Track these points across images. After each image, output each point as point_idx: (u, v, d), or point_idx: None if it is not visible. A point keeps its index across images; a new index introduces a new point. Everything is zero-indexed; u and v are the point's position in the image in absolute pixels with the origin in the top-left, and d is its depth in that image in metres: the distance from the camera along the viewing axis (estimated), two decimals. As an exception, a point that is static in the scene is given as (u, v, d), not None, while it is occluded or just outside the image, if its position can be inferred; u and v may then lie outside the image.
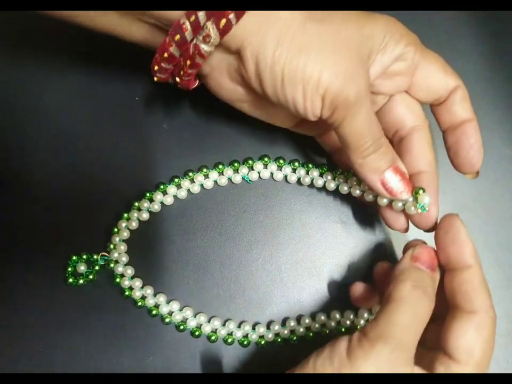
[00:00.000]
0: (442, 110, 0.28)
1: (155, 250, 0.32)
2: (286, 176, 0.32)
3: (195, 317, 0.31)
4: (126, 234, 0.31)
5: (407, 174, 0.27)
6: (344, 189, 0.31)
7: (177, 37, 0.22)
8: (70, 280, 0.31)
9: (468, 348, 0.23)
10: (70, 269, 0.31)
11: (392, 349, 0.22)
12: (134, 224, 0.31)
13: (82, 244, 0.32)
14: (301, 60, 0.23)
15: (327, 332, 0.31)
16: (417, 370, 0.23)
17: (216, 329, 0.31)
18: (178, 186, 0.32)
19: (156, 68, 0.24)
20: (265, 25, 0.23)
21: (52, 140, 0.32)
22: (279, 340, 0.31)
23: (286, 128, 0.30)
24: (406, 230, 0.29)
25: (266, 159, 0.32)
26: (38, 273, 0.31)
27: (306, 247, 0.32)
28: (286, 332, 0.31)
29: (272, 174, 0.32)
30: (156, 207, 0.32)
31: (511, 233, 0.33)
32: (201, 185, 0.32)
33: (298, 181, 0.32)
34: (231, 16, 0.21)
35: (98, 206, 0.32)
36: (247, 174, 0.32)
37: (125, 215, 0.31)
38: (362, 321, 0.31)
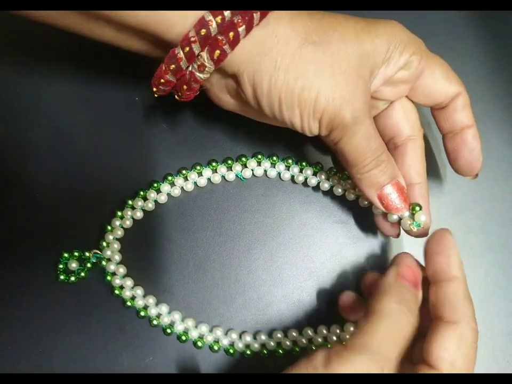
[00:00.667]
0: (442, 115, 0.28)
1: (149, 250, 0.32)
2: (279, 174, 0.32)
3: (183, 321, 0.31)
4: (120, 233, 0.31)
5: (405, 189, 0.27)
6: (338, 190, 0.31)
7: (172, 66, 0.23)
8: (62, 277, 0.31)
9: (450, 357, 0.22)
10: (61, 266, 0.31)
11: (369, 359, 0.21)
12: (128, 223, 0.31)
13: (82, 243, 0.32)
14: (297, 85, 0.23)
15: (313, 348, 0.31)
16: None
17: (203, 335, 0.31)
18: (172, 184, 0.32)
19: (155, 89, 0.24)
20: (261, 51, 0.23)
21: (52, 140, 0.32)
22: (265, 351, 0.31)
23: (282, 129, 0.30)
24: (398, 235, 0.30)
25: (259, 156, 0.32)
26: (37, 273, 0.31)
27: (306, 247, 0.32)
28: (272, 343, 0.31)
29: (265, 171, 0.32)
30: (150, 205, 0.32)
31: (511, 233, 0.33)
32: (195, 183, 0.32)
33: (292, 179, 0.32)
34: (225, 46, 0.22)
35: (98, 206, 0.32)
36: (241, 172, 0.32)
37: (119, 213, 0.31)
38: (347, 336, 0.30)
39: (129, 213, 0.31)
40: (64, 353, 0.31)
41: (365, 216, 0.33)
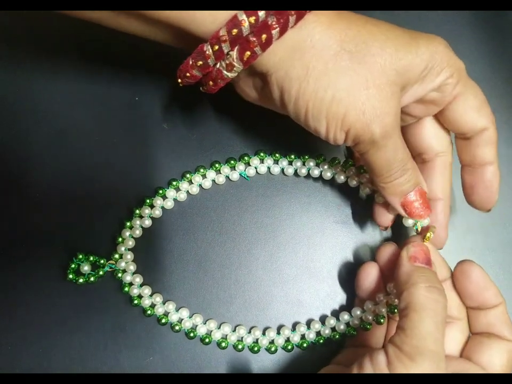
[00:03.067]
0: (465, 146, 0.27)
1: (149, 250, 0.32)
2: (283, 169, 0.32)
3: (190, 317, 0.31)
4: (131, 243, 0.31)
5: (427, 193, 0.27)
6: (341, 178, 0.32)
7: (200, 62, 0.22)
8: (70, 276, 0.30)
9: (501, 366, 0.26)
10: (73, 266, 0.31)
11: (430, 362, 0.22)
12: (138, 232, 0.31)
13: (81, 244, 0.32)
14: (327, 96, 0.22)
15: (321, 341, 0.31)
16: None
17: (211, 331, 0.31)
18: (177, 189, 0.32)
19: (179, 80, 0.24)
20: (293, 55, 0.22)
21: (51, 140, 0.32)
22: (273, 348, 0.31)
23: (283, 125, 0.30)
24: (386, 228, 0.30)
25: (262, 154, 0.32)
26: (38, 274, 0.31)
27: (306, 247, 0.32)
28: (280, 340, 0.31)
29: (269, 168, 0.32)
30: (157, 212, 0.32)
31: (511, 233, 0.33)
32: (200, 186, 0.32)
33: (296, 173, 0.32)
34: (257, 48, 0.21)
35: (97, 207, 0.32)
36: (244, 170, 0.32)
37: (127, 223, 0.31)
38: (342, 327, 0.31)
39: (138, 222, 0.31)
40: (64, 353, 0.31)
41: (365, 216, 0.33)
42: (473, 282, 0.27)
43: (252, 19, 0.20)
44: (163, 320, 0.31)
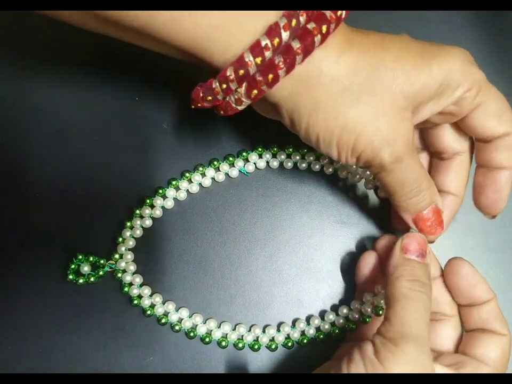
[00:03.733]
0: (482, 148, 0.27)
1: (149, 251, 0.32)
2: (282, 163, 0.32)
3: (205, 323, 0.31)
4: (131, 243, 0.31)
5: (442, 211, 0.27)
6: (343, 173, 0.32)
7: (209, 97, 0.22)
8: (70, 276, 0.30)
9: (495, 359, 0.26)
10: (73, 266, 0.31)
11: (415, 345, 0.23)
12: (138, 232, 0.31)
13: (81, 244, 0.32)
14: (336, 126, 0.22)
15: (321, 336, 0.31)
16: (439, 368, 0.25)
17: (211, 331, 0.31)
18: (177, 188, 0.32)
19: (193, 106, 0.24)
20: (302, 89, 0.22)
21: (52, 141, 0.32)
22: (274, 345, 0.31)
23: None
24: (407, 230, 0.29)
25: (260, 149, 0.32)
26: (38, 274, 0.31)
27: (306, 247, 0.32)
28: (281, 338, 0.31)
29: (268, 162, 0.32)
30: (158, 212, 0.32)
31: (511, 233, 0.33)
32: (200, 184, 0.32)
33: (296, 167, 0.32)
34: (264, 87, 0.21)
35: (97, 207, 0.32)
36: (244, 167, 0.32)
37: (128, 223, 0.31)
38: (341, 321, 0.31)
39: (138, 222, 0.31)
40: (64, 353, 0.31)
41: (365, 216, 0.33)
42: (463, 279, 0.28)
43: (258, 60, 0.20)
44: (163, 320, 0.31)
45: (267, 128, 0.33)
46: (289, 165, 0.32)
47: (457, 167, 0.28)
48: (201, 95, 0.22)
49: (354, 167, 0.32)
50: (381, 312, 0.30)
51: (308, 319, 0.32)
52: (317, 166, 0.32)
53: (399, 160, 0.24)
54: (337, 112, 0.22)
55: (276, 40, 0.20)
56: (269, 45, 0.20)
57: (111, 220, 0.32)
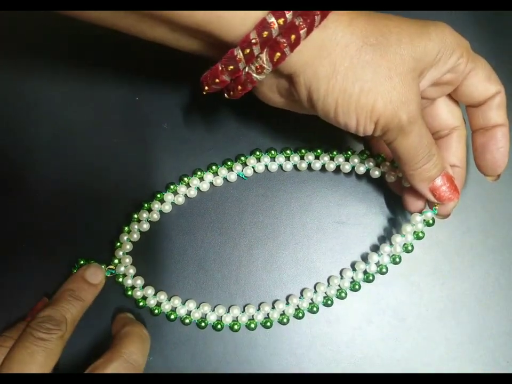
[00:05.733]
0: (477, 112, 0.28)
1: (149, 251, 0.32)
2: (281, 166, 0.32)
3: (213, 310, 0.32)
4: (128, 247, 0.31)
5: (454, 178, 0.28)
6: (346, 168, 0.32)
7: (231, 67, 0.22)
8: None
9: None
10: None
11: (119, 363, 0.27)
12: (136, 236, 0.31)
13: (81, 249, 0.32)
14: (355, 91, 0.23)
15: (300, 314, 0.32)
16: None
17: (221, 317, 0.32)
18: (175, 192, 0.32)
19: (206, 88, 0.24)
20: (320, 54, 0.23)
21: (51, 141, 0.32)
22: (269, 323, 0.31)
23: (278, 120, 0.31)
24: (421, 211, 0.30)
25: (258, 152, 0.32)
26: (38, 274, 0.31)
27: (306, 247, 0.32)
28: (276, 314, 0.31)
29: (266, 166, 0.32)
30: (155, 216, 0.32)
31: (511, 233, 0.33)
32: (198, 189, 0.32)
33: (295, 168, 0.33)
34: (286, 49, 0.22)
35: (97, 208, 0.32)
36: (242, 171, 0.32)
37: (125, 228, 0.31)
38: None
39: (135, 226, 0.31)
40: (64, 353, 0.31)
41: (365, 217, 0.33)
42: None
43: (281, 21, 0.21)
44: (172, 316, 0.31)
45: (266, 131, 0.33)
46: (288, 167, 0.32)
47: (457, 141, 0.29)
48: (220, 68, 0.23)
49: (358, 160, 0.32)
50: (384, 270, 0.31)
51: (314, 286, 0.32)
52: (317, 165, 0.32)
53: (414, 122, 0.24)
54: (354, 74, 0.23)
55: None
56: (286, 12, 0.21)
57: (111, 225, 0.32)
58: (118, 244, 0.31)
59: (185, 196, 0.32)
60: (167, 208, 0.32)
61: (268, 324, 0.31)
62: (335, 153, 0.32)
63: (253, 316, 0.31)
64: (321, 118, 0.25)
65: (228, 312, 0.31)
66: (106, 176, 0.32)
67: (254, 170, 0.32)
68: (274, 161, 0.32)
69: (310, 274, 0.32)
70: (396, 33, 0.24)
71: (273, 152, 0.32)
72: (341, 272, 0.32)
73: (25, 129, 0.32)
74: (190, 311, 0.31)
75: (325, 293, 0.32)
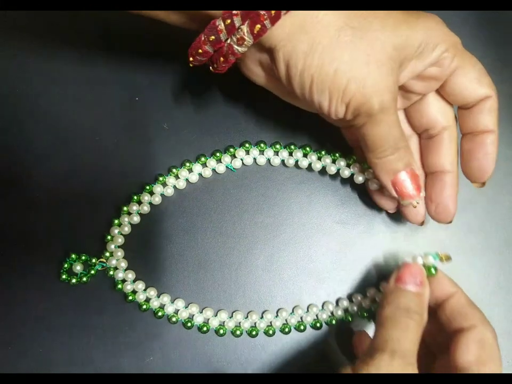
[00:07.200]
0: (467, 115, 0.28)
1: (149, 251, 0.32)
2: (269, 160, 0.32)
3: (201, 312, 0.32)
4: (120, 240, 0.31)
5: (420, 176, 0.28)
6: (332, 169, 0.31)
7: (212, 37, 0.23)
8: (64, 276, 0.30)
9: (475, 359, 0.24)
10: (66, 266, 0.31)
11: (390, 356, 0.23)
12: (127, 229, 0.31)
13: (82, 245, 0.32)
14: (331, 69, 0.23)
15: (318, 325, 0.32)
16: None
17: (208, 319, 0.32)
18: (164, 184, 0.32)
19: (191, 58, 0.24)
20: (300, 30, 0.23)
21: (51, 140, 0.32)
22: (272, 330, 0.31)
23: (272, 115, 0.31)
24: (422, 223, 0.30)
25: (247, 145, 0.32)
26: (38, 274, 0.31)
27: (306, 247, 0.32)
28: (278, 323, 0.31)
29: (255, 159, 0.32)
30: (146, 208, 0.32)
31: (511, 233, 0.33)
32: (187, 180, 0.32)
33: (283, 163, 0.33)
34: (266, 21, 0.22)
35: (96, 207, 0.32)
36: (230, 162, 0.32)
37: (116, 221, 0.31)
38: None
39: (126, 219, 0.31)
40: (64, 353, 0.31)
41: (365, 217, 0.33)
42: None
43: None
44: (159, 313, 0.31)
45: (260, 126, 0.33)
46: (276, 162, 0.32)
47: (448, 142, 0.29)
48: (203, 38, 0.23)
49: (353, 168, 0.31)
50: (365, 314, 0.31)
51: (308, 307, 0.32)
52: (304, 163, 0.32)
53: (385, 111, 0.24)
54: (332, 53, 0.23)
55: None
56: None
57: (103, 218, 0.32)
58: (109, 237, 0.31)
59: (174, 187, 0.32)
60: (157, 200, 0.32)
61: (271, 331, 0.31)
62: (323, 152, 0.32)
63: (255, 323, 0.31)
64: (299, 97, 0.25)
65: (230, 317, 0.31)
66: (105, 176, 0.32)
67: (243, 163, 0.32)
68: (263, 154, 0.32)
69: (310, 274, 0.32)
70: (381, 18, 0.24)
71: (262, 145, 0.32)
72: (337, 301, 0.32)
73: (25, 128, 0.32)
74: (178, 310, 0.31)
75: (331, 312, 0.32)
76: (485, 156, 0.27)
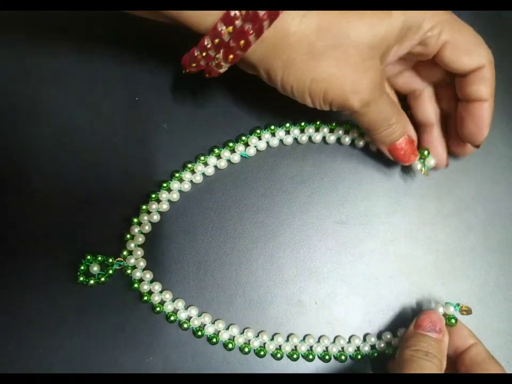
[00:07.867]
0: (462, 82, 0.28)
1: (149, 251, 0.32)
2: (281, 140, 0.33)
3: (213, 323, 0.31)
4: (140, 239, 0.31)
5: (415, 140, 0.30)
6: (346, 140, 0.33)
7: (193, 64, 0.25)
8: (81, 278, 0.30)
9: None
10: (82, 268, 0.31)
11: None
12: (147, 228, 0.32)
13: (82, 244, 0.32)
14: (307, 79, 0.25)
15: (343, 357, 0.32)
16: None
17: (219, 332, 0.31)
18: (180, 180, 0.32)
19: (184, 71, 0.26)
20: (273, 51, 0.24)
21: (52, 141, 0.32)
22: (280, 354, 0.31)
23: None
24: (446, 165, 0.32)
25: (258, 131, 0.32)
26: (38, 274, 0.31)
27: (306, 247, 0.32)
28: (288, 347, 0.31)
29: (268, 142, 0.33)
30: (165, 206, 0.32)
31: (511, 233, 0.33)
32: (203, 174, 0.32)
33: (296, 141, 0.33)
34: (238, 51, 0.24)
35: (96, 207, 0.32)
36: (245, 151, 0.32)
37: (135, 219, 0.31)
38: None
39: (145, 217, 0.31)
40: (64, 353, 0.31)
41: (365, 216, 0.33)
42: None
43: (230, 28, 0.23)
44: (172, 318, 0.31)
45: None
46: (288, 141, 0.33)
47: (429, 99, 0.31)
48: (187, 62, 0.25)
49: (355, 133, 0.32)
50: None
51: (334, 338, 0.32)
52: (318, 137, 0.32)
53: (367, 105, 0.26)
54: (307, 65, 0.24)
55: (244, 11, 0.22)
56: (237, 14, 0.23)
57: (114, 219, 0.32)
58: (129, 236, 0.31)
59: (191, 181, 0.32)
60: (175, 196, 0.32)
61: (279, 355, 0.31)
62: (334, 124, 0.33)
63: (264, 343, 0.31)
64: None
65: (241, 334, 0.32)
66: (106, 176, 0.32)
67: (257, 149, 0.33)
68: (274, 136, 0.33)
69: (310, 274, 0.32)
70: (354, 21, 0.24)
71: (272, 127, 0.32)
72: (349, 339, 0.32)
73: (25, 129, 0.32)
74: (191, 317, 0.31)
75: (342, 348, 0.32)
76: (479, 121, 0.28)
